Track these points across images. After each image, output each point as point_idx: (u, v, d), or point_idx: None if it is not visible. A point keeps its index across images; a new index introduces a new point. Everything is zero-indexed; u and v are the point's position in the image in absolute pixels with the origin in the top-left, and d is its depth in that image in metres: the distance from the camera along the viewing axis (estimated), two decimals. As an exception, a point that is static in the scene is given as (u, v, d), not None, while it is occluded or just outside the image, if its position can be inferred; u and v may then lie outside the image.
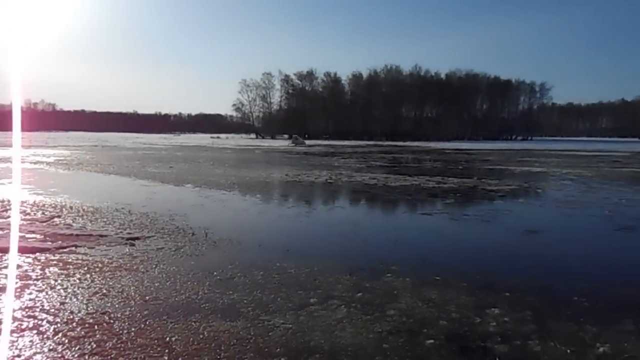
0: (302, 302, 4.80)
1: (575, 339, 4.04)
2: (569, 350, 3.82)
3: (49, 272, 5.63)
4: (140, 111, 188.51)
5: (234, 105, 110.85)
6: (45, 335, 3.92)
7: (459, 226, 8.90)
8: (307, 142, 67.35)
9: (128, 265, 6.01)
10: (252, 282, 5.42)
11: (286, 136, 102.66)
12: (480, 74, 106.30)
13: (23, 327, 4.08)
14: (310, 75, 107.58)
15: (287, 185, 15.81)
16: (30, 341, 3.82)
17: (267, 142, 73.80)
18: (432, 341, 3.98)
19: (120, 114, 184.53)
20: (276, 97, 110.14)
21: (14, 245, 6.29)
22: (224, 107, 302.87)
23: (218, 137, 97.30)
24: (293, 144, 60.98)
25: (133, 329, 4.10)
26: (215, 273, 5.73)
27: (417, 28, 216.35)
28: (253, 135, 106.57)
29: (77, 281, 5.33)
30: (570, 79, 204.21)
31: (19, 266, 5.74)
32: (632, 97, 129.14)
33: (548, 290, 5.25)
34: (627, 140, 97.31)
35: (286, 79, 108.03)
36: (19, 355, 3.57)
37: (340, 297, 4.98)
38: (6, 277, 5.36)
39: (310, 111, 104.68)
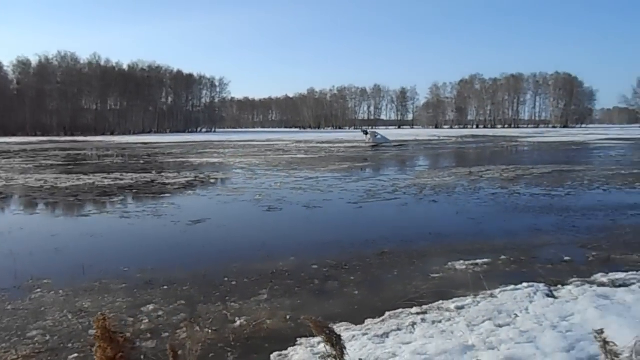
0: None
1: (219, 318, 4.47)
2: (211, 330, 4.20)
3: None
4: None
5: None
6: None
7: (128, 224, 8.70)
8: None
9: None
10: None
11: None
12: (163, 67, 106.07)
13: None
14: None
15: None
16: None
17: None
18: (76, 355, 3.77)
19: None
20: None
21: None
22: None
23: None
24: (371, 142, 38.28)
25: None
26: None
27: (96, 16, 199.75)
28: None
29: None
30: (246, 75, 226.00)
31: None
32: (294, 94, 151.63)
33: (203, 277, 5.64)
34: (291, 130, 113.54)
35: None
36: None
37: (-34, 329, 4.21)
38: None
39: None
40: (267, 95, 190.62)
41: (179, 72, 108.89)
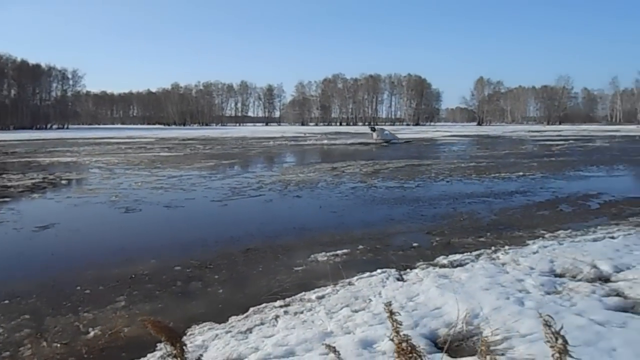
0: None
1: (70, 330, 4.16)
2: (60, 344, 3.89)
3: None
4: None
5: None
6: None
7: (-42, 235, 7.62)
8: None
9: None
10: None
11: None
12: (4, 55, 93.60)
13: None
14: None
15: None
16: None
17: None
18: None
19: None
20: None
21: None
22: None
23: None
24: (380, 139, 35.32)
25: None
26: None
27: None
28: None
29: None
30: (104, 68, 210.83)
31: None
32: (156, 89, 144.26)
33: (52, 287, 5.18)
34: (154, 128, 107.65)
35: None
36: None
37: None
38: None
39: None
40: (127, 89, 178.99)
41: (24, 62, 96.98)
